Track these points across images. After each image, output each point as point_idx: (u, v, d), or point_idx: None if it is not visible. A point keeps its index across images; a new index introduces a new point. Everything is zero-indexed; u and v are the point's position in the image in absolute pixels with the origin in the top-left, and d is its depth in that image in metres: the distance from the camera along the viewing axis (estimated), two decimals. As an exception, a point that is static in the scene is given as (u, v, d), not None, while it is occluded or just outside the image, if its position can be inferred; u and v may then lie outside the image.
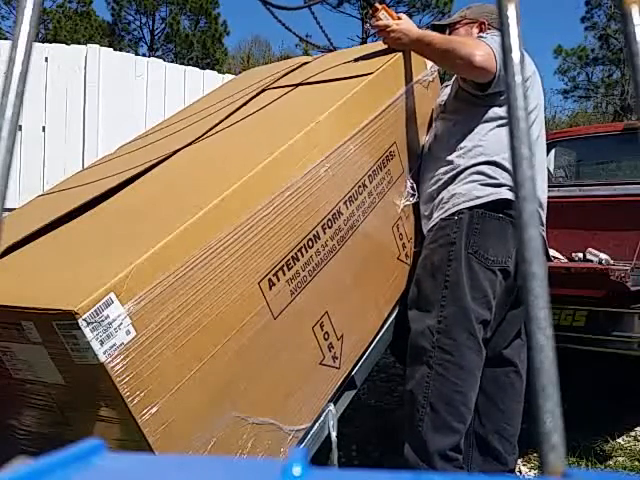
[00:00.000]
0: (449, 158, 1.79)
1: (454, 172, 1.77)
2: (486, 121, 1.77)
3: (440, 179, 1.79)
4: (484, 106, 1.77)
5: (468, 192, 1.73)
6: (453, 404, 1.63)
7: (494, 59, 1.64)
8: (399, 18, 1.89)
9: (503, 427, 1.81)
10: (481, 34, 1.85)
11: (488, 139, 1.76)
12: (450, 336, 1.65)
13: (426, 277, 1.73)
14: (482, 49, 1.65)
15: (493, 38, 1.71)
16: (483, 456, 1.81)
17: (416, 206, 1.86)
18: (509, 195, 1.69)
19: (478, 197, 1.72)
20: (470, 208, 1.71)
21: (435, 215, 1.78)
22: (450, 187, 1.77)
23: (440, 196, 1.78)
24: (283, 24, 2.02)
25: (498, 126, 1.76)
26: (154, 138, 2.12)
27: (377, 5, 1.90)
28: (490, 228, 1.70)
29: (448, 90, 1.95)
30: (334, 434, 1.49)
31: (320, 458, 1.51)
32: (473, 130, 1.78)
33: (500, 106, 1.75)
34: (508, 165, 1.72)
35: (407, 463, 1.63)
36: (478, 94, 1.76)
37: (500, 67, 1.65)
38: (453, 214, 1.73)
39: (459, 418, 1.64)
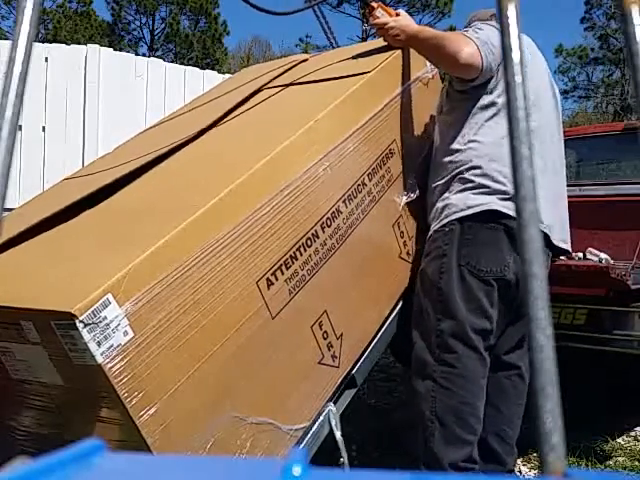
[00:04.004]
0: (445, 163, 1.77)
1: (448, 178, 1.75)
2: (478, 115, 1.74)
3: (438, 186, 1.78)
4: (474, 99, 1.74)
5: (460, 202, 1.70)
6: (462, 416, 1.63)
7: (479, 53, 1.62)
8: (397, 15, 1.88)
9: (503, 430, 1.79)
10: (467, 28, 1.78)
11: (481, 134, 1.72)
12: (450, 350, 1.65)
13: (422, 291, 1.74)
14: (468, 45, 1.63)
15: (478, 30, 1.68)
16: (482, 457, 1.80)
17: (417, 204, 1.84)
18: (499, 206, 1.66)
19: (469, 207, 1.69)
20: (460, 219, 1.69)
21: (432, 226, 1.78)
22: (444, 196, 1.75)
23: (436, 206, 1.77)
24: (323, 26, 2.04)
25: (490, 117, 1.72)
26: (151, 137, 2.11)
27: (373, 4, 1.89)
28: (482, 238, 1.68)
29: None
30: (339, 433, 1.48)
31: (320, 458, 1.51)
32: (465, 127, 1.75)
33: (490, 93, 1.72)
34: (501, 166, 1.69)
35: None
36: (466, 89, 1.73)
37: (485, 57, 1.63)
38: (444, 225, 1.72)
39: (469, 429, 1.63)
